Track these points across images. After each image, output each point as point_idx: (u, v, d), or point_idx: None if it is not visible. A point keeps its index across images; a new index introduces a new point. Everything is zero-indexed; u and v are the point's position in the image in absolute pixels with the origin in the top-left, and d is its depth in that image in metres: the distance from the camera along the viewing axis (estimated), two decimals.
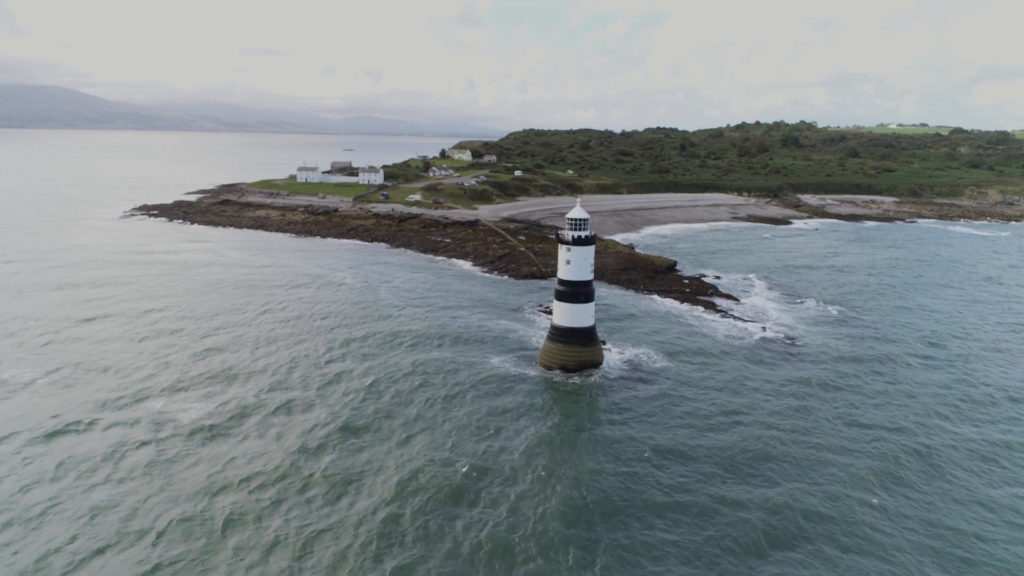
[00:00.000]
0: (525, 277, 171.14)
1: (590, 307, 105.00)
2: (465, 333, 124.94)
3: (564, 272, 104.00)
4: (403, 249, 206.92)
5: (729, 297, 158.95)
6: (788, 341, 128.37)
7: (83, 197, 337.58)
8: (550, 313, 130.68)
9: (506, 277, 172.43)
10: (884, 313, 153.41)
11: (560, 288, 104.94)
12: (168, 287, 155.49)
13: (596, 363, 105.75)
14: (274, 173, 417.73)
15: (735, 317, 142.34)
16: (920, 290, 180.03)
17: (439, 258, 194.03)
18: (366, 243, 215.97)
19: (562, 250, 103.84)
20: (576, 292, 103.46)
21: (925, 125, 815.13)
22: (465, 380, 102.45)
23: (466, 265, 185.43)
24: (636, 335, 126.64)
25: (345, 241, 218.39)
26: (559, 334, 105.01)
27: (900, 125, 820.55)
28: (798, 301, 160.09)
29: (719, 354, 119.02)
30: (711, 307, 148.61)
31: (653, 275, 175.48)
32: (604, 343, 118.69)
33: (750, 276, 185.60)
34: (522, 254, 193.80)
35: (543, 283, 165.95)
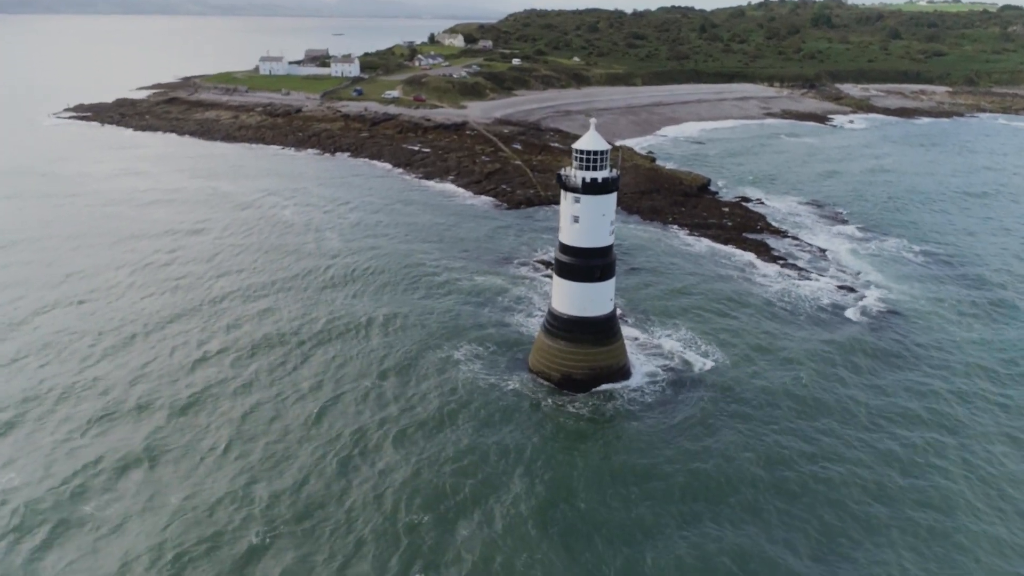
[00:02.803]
0: (519, 204, 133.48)
1: (608, 287, 68.95)
2: (420, 300, 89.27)
3: (569, 234, 67.22)
4: (371, 161, 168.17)
5: (783, 234, 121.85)
6: (880, 310, 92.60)
7: (24, 94, 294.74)
8: (551, 269, 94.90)
9: (494, 203, 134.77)
10: (982, 253, 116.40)
11: (563, 258, 68.44)
12: (35, 220, 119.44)
13: (616, 370, 70.54)
14: (247, 63, 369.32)
15: (798, 268, 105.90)
16: (1018, 214, 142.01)
17: (413, 176, 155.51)
18: (327, 154, 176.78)
19: (567, 201, 66.63)
20: (588, 266, 67.11)
21: (959, 0, 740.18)
22: (395, 394, 68.00)
23: (446, 185, 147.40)
24: (670, 306, 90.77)
25: (302, 153, 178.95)
26: (561, 326, 69.45)
27: (931, 1, 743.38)
28: (870, 236, 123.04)
29: (788, 336, 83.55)
30: (763, 251, 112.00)
31: (682, 199, 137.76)
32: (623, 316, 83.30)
33: (800, 198, 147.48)
34: (517, 169, 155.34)
35: (543, 213, 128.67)
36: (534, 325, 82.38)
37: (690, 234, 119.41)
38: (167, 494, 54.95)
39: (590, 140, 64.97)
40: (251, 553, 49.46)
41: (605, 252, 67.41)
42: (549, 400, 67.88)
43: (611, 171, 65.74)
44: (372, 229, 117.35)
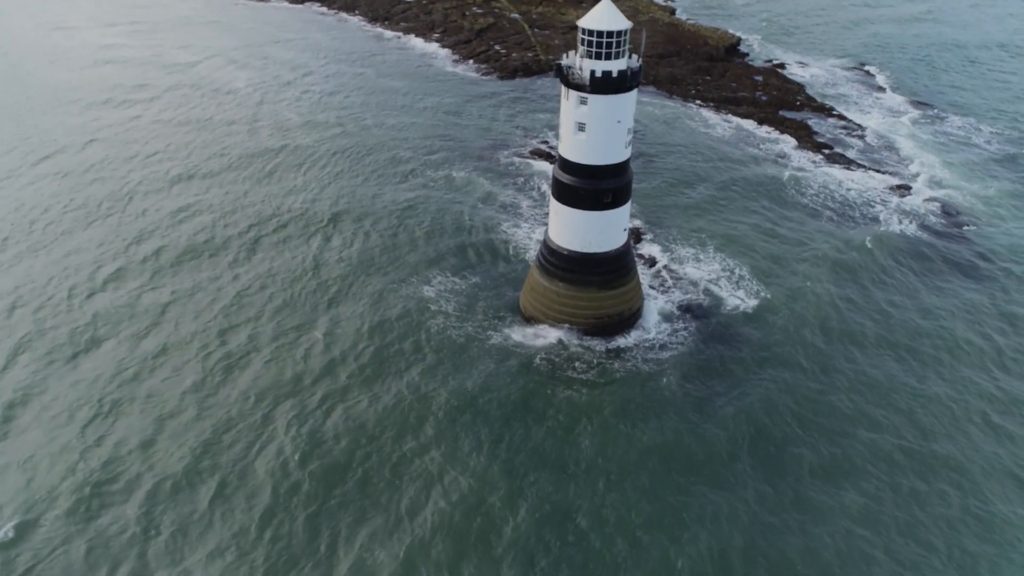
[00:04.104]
0: (514, 73, 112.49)
1: (621, 215, 52.20)
2: (382, 204, 72.51)
3: (572, 146, 49.55)
4: (343, 15, 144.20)
5: (827, 111, 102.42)
6: (945, 214, 76.32)
7: None
8: (551, 159, 77.93)
9: (484, 70, 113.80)
10: None
11: (563, 178, 51.10)
12: None
13: (628, 316, 55.12)
14: None
15: (847, 160, 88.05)
16: None
17: (392, 34, 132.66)
18: (295, 4, 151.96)
19: (569, 102, 48.35)
20: (597, 189, 49.94)
21: None
22: (334, 348, 53.16)
23: (429, 46, 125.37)
24: (692, 211, 74.08)
25: (265, 4, 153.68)
26: (560, 265, 53.33)
27: None
28: (929, 114, 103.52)
29: (836, 251, 67.69)
30: (805, 135, 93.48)
31: (707, 64, 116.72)
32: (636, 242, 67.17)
33: (845, 61, 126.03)
34: (513, 25, 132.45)
35: (541, 84, 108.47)
36: (526, 243, 66.29)
37: (717, 112, 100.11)
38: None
39: (603, 15, 45.78)
40: None
41: (619, 170, 50.08)
42: (543, 359, 52.93)
43: (631, 59, 47.12)
44: (334, 103, 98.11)
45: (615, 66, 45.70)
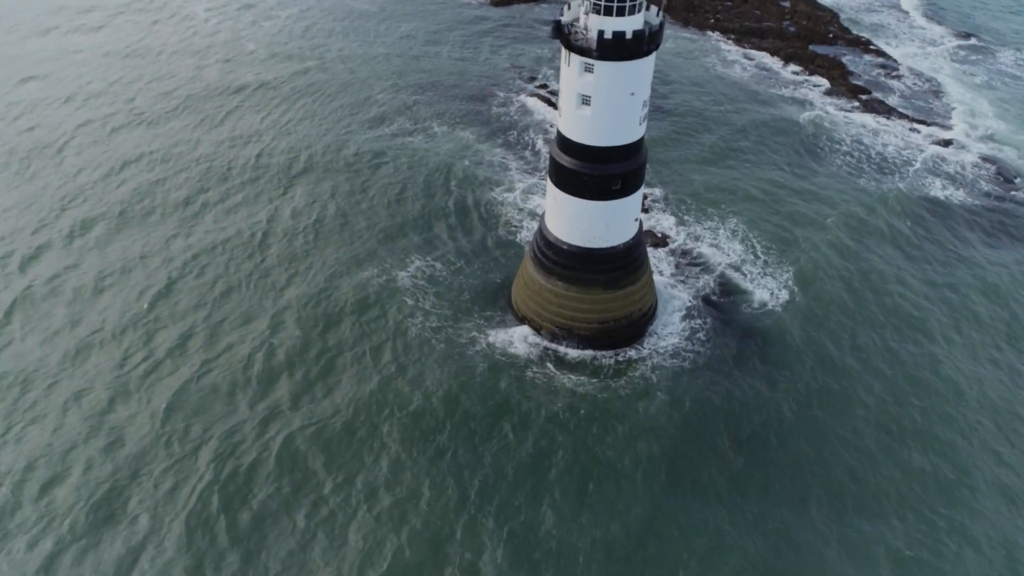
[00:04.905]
0: None
1: (632, 203, 42.70)
2: (351, 161, 62.79)
3: (574, 124, 39.60)
4: None
5: (862, 45, 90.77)
6: (1004, 181, 66.35)
7: None
8: (550, 104, 68.03)
9: None
10: None
11: (563, 160, 41.28)
12: None
13: (638, 319, 46.28)
14: None
15: (886, 107, 77.34)
16: None
17: None
18: None
19: (570, 69, 38.07)
20: (603, 175, 40.29)
21: None
22: (292, 358, 44.56)
23: None
24: (708, 173, 64.17)
25: None
26: (559, 261, 44.19)
27: None
28: (977, 48, 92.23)
29: (878, 224, 58.91)
30: (838, 75, 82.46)
31: None
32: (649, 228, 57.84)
33: None
34: None
35: (541, 12, 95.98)
36: (518, 215, 56.92)
37: (739, 45, 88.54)
38: None
39: None
40: None
41: (631, 151, 40.33)
42: (535, 371, 44.53)
43: (648, 10, 36.66)
44: (299, 32, 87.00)
45: (630, 24, 35.32)
